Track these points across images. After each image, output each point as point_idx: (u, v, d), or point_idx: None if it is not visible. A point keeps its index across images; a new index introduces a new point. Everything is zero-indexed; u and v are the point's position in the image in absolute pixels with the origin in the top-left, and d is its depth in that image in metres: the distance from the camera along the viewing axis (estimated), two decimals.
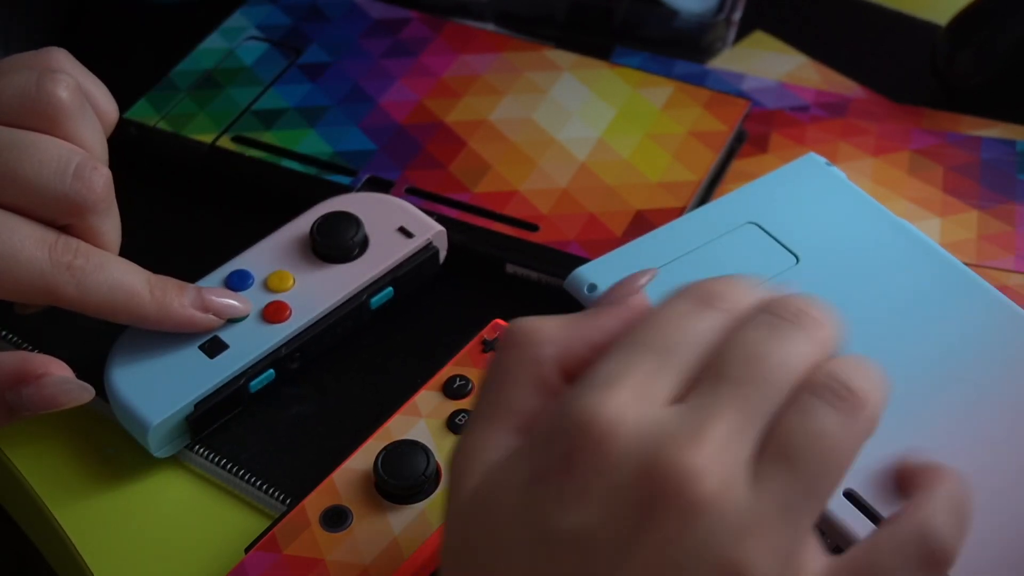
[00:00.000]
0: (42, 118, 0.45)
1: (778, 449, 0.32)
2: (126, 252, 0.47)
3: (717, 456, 0.31)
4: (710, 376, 0.33)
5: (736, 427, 0.32)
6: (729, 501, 0.31)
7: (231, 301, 0.48)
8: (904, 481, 0.34)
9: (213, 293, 0.48)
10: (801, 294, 0.35)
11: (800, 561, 0.32)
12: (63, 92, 0.45)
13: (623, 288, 0.37)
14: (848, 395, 0.32)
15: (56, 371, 0.43)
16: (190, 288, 0.48)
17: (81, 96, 0.46)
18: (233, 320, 0.48)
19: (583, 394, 0.32)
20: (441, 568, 0.34)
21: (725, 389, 0.32)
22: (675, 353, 0.33)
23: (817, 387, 0.32)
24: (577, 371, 0.34)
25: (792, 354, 0.33)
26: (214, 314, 0.48)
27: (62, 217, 0.45)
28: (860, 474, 0.40)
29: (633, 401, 0.32)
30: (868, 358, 0.34)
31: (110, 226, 0.46)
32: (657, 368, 0.33)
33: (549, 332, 0.35)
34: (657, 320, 0.34)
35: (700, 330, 0.34)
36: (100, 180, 0.45)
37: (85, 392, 0.43)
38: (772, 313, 0.34)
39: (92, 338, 0.49)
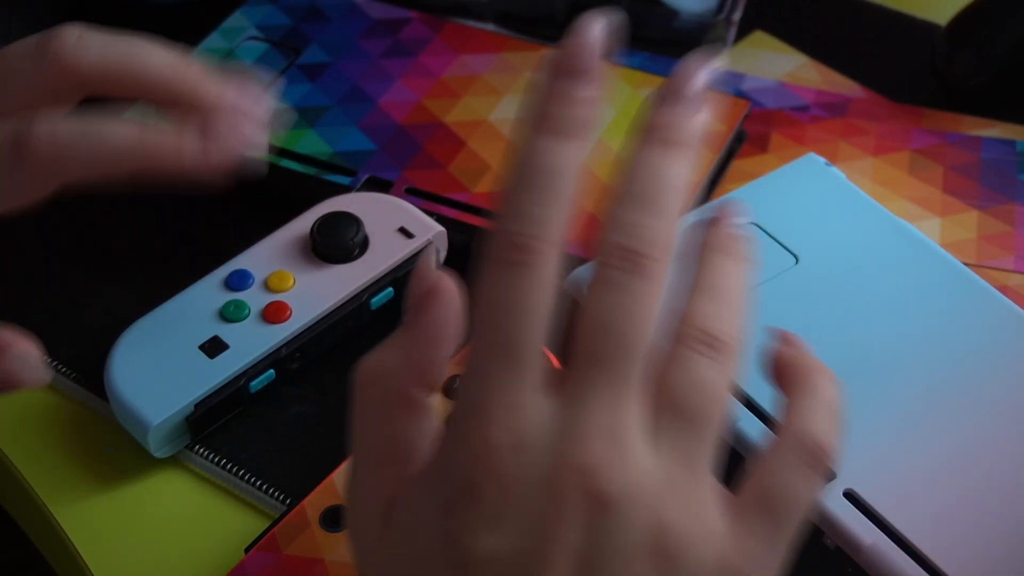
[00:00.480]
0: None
1: (668, 405, 0.33)
2: (124, 252, 0.47)
3: (609, 439, 0.31)
4: (573, 354, 0.33)
5: (615, 401, 0.32)
6: (637, 476, 0.31)
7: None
8: (782, 375, 0.35)
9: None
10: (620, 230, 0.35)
11: (708, 501, 0.32)
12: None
13: (419, 284, 0.35)
14: (716, 343, 0.33)
15: (22, 345, 0.39)
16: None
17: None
18: (233, 320, 0.49)
19: (464, 425, 0.32)
20: None
21: (591, 369, 0.32)
22: (521, 343, 0.32)
23: (687, 339, 0.33)
24: (434, 378, 0.34)
25: (636, 307, 0.33)
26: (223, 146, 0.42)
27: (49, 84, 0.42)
28: (860, 474, 0.40)
29: (510, 413, 0.32)
30: (728, 290, 0.35)
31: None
32: (515, 364, 0.32)
33: (387, 362, 0.34)
34: (487, 310, 0.33)
35: (524, 296, 0.33)
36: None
37: (42, 373, 0.39)
38: (603, 265, 0.34)
39: (93, 338, 0.49)
